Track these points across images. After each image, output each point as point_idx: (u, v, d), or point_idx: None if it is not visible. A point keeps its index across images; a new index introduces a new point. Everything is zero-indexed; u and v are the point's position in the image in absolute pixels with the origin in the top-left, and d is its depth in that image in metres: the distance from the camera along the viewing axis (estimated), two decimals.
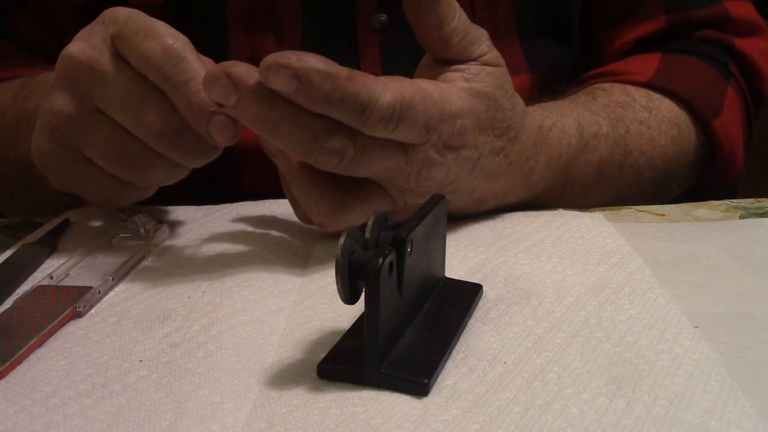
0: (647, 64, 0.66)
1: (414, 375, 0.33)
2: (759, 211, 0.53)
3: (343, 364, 0.34)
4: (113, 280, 0.44)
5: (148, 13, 0.46)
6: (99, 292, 0.42)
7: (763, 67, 0.70)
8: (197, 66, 0.44)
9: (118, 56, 0.45)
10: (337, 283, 0.33)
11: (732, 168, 0.67)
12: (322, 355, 0.35)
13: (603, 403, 0.31)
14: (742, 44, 0.69)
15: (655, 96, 0.63)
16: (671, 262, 0.44)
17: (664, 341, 0.35)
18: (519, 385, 0.33)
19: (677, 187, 0.65)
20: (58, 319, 0.39)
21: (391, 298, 0.33)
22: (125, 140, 0.46)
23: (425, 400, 0.32)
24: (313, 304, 0.41)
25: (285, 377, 0.34)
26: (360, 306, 0.33)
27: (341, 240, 0.32)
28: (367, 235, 0.35)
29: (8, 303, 0.41)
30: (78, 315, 0.40)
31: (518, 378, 0.33)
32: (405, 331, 0.36)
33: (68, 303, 0.40)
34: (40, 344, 0.37)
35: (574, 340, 0.36)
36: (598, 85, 0.65)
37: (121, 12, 0.46)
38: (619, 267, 0.43)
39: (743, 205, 0.54)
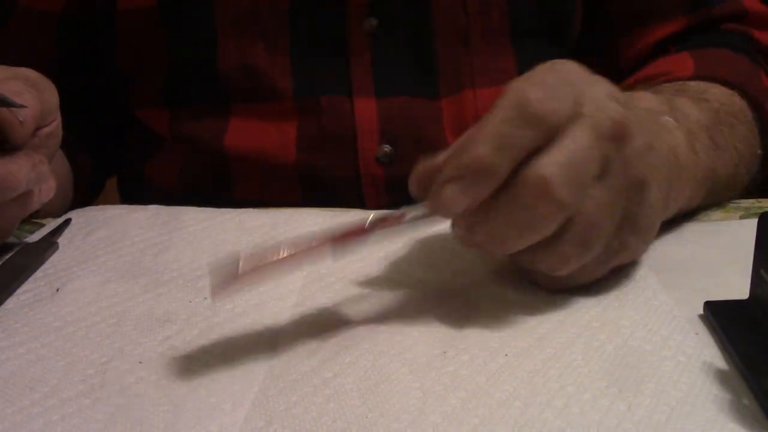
0: (681, 61, 0.64)
1: None
2: (759, 211, 0.52)
3: None
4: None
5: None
6: (403, 215, 0.37)
7: None
8: None
9: None
10: None
11: None
12: (321, 355, 0.35)
13: (604, 405, 0.31)
14: (761, 36, 0.68)
15: (705, 85, 0.59)
16: (672, 263, 0.44)
17: (667, 348, 0.35)
18: (520, 379, 0.33)
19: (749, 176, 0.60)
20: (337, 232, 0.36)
21: None
22: None
23: (424, 388, 0.32)
24: (313, 304, 0.41)
25: (283, 377, 0.34)
26: None
27: None
28: None
29: (8, 303, 0.41)
30: (364, 233, 0.36)
31: (519, 371, 0.33)
32: None
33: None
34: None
35: (576, 340, 0.36)
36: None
37: None
38: (624, 272, 0.43)
39: (743, 205, 0.54)
